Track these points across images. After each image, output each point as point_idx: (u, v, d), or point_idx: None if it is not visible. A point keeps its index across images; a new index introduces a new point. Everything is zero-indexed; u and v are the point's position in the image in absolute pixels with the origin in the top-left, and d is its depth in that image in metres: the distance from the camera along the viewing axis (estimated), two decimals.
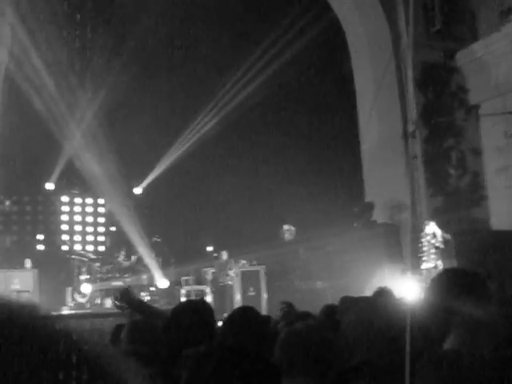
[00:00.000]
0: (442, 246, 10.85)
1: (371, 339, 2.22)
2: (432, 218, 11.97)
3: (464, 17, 13.60)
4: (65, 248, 15.36)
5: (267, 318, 3.57)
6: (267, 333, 3.00)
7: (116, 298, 3.91)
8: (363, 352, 2.22)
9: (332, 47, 15.34)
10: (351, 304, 3.09)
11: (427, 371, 1.73)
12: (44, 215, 16.05)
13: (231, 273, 13.07)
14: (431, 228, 11.06)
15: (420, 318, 2.40)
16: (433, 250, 10.90)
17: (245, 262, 13.40)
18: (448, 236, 10.95)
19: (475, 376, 1.39)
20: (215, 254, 13.72)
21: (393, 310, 2.47)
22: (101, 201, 16.30)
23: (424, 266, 10.95)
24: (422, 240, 11.05)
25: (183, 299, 13.39)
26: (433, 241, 10.89)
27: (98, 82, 14.56)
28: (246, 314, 3.23)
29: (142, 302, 4.16)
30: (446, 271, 2.63)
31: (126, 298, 3.81)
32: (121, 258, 14.53)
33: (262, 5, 14.47)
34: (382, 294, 3.36)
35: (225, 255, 13.29)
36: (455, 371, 1.46)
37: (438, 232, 10.96)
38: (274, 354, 2.31)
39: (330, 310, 3.79)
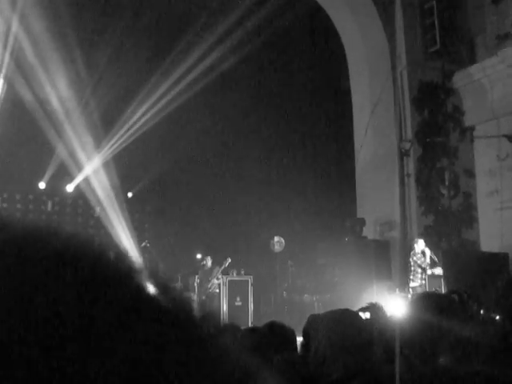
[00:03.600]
0: (428, 267, 10.87)
1: (344, 356, 2.22)
2: (422, 237, 12.03)
3: (462, 39, 13.75)
4: None
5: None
6: None
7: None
8: (339, 369, 2.22)
9: (332, 63, 15.45)
10: (319, 322, 3.05)
11: None
12: (34, 214, 15.99)
13: (214, 280, 13.01)
14: (420, 246, 11.09)
15: (410, 335, 2.42)
16: (419, 270, 10.94)
17: (229, 260, 13.27)
18: (435, 257, 10.98)
19: None
20: (203, 262, 13.68)
21: (365, 326, 2.48)
22: (92, 202, 16.24)
23: (411, 284, 10.99)
24: (411, 259, 11.10)
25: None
26: (419, 262, 10.93)
27: (94, 84, 14.56)
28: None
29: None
30: (422, 297, 2.67)
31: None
32: None
33: (264, 20, 14.54)
34: (373, 308, 3.37)
35: (209, 261, 13.26)
36: None
37: (427, 252, 10.99)
38: None
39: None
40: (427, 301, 2.48)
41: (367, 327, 2.27)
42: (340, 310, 2.67)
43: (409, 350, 2.27)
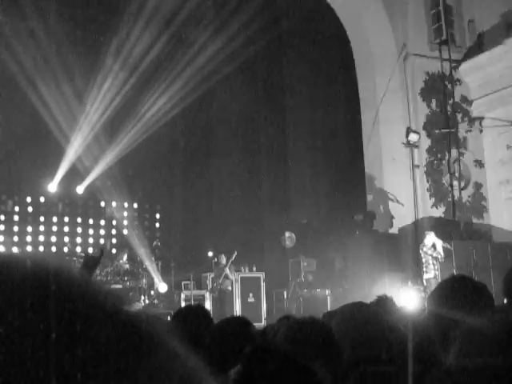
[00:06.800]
0: (440, 256, 10.83)
1: (357, 337, 2.24)
2: (433, 228, 11.98)
3: (469, 28, 13.67)
4: (65, 249, 15.38)
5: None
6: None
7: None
8: (352, 350, 2.23)
9: (337, 56, 15.39)
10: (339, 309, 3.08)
11: None
12: (45, 216, 16.06)
13: (227, 272, 13.00)
14: (431, 238, 11.05)
15: (422, 327, 2.41)
16: (431, 261, 10.90)
17: (236, 253, 13.26)
18: (448, 246, 10.94)
19: None
20: (215, 260, 13.69)
21: (388, 315, 2.48)
22: (102, 203, 16.30)
23: (425, 276, 10.95)
24: (421, 251, 11.06)
25: (183, 304, 13.37)
26: (429, 252, 10.88)
27: (103, 84, 14.61)
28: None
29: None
30: (448, 280, 2.61)
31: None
32: (122, 261, 14.52)
33: (269, 15, 14.51)
34: (382, 301, 3.36)
35: (223, 259, 13.27)
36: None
37: (438, 243, 10.95)
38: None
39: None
40: (455, 285, 2.40)
41: (377, 319, 2.27)
42: (351, 303, 2.68)
43: (421, 342, 2.27)
